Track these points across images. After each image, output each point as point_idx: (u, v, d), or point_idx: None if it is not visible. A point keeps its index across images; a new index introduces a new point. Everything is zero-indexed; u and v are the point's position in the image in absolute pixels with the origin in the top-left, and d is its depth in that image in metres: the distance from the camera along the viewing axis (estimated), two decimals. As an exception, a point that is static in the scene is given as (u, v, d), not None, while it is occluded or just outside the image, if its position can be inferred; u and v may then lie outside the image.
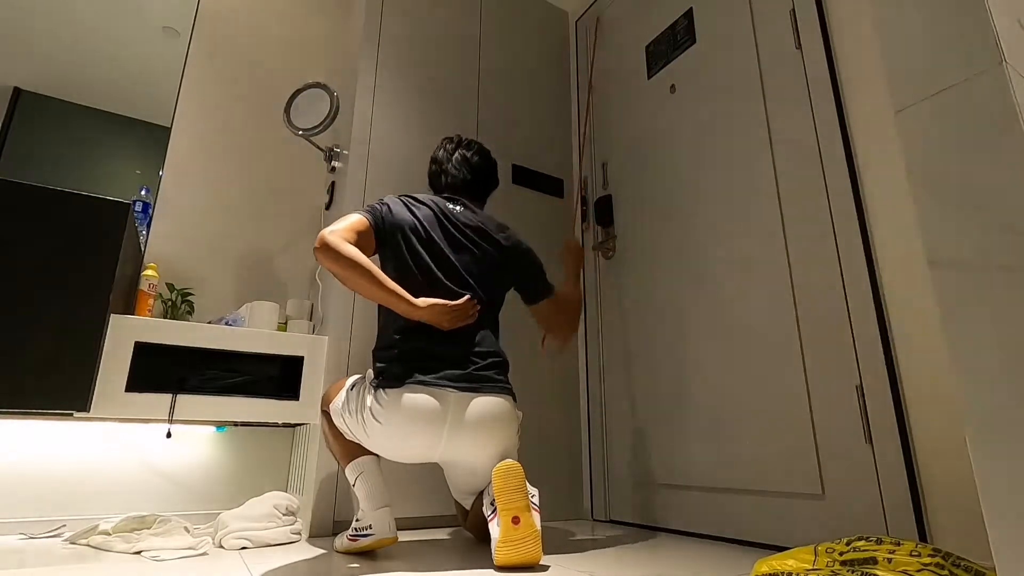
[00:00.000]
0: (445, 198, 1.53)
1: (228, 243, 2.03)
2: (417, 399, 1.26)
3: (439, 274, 1.39)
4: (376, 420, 1.27)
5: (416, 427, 1.26)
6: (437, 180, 1.62)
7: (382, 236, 1.41)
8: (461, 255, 1.43)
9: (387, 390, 1.28)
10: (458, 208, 1.50)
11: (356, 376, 1.45)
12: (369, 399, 1.30)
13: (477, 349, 1.36)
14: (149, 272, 1.72)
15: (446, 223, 1.45)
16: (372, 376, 1.36)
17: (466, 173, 1.60)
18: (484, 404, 1.30)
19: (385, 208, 1.44)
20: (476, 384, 1.30)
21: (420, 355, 1.31)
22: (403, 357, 1.31)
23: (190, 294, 1.83)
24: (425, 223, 1.43)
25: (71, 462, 1.64)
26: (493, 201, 1.72)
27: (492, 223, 1.53)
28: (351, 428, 1.35)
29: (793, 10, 1.64)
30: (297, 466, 1.83)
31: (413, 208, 1.46)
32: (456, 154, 1.62)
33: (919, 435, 1.22)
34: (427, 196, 1.52)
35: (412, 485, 1.71)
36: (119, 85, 2.07)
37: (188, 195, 2.00)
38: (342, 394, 1.41)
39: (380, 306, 1.45)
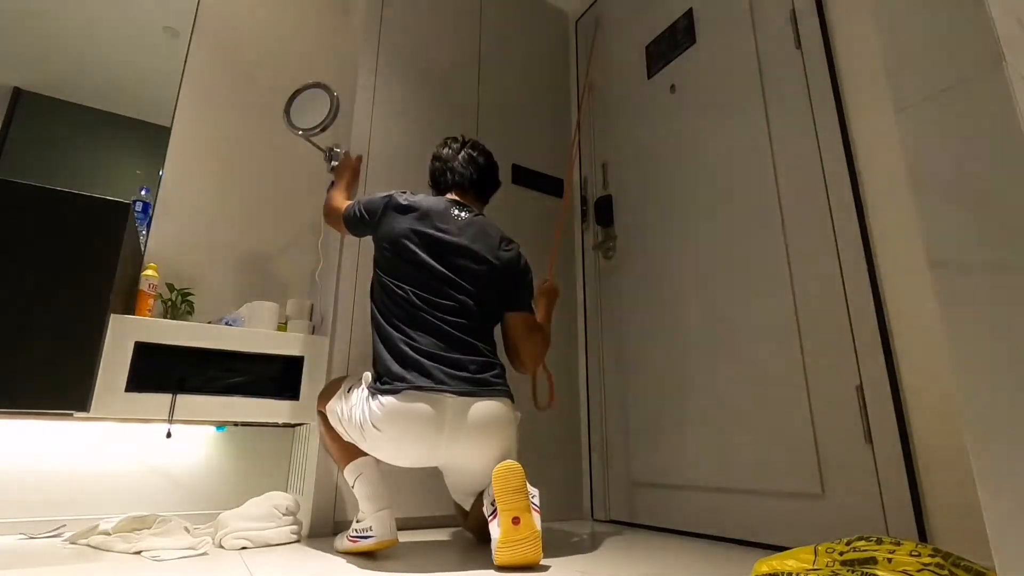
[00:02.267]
0: (450, 201, 1.50)
1: (228, 243, 2.03)
2: (414, 407, 1.25)
3: (436, 287, 1.38)
4: (374, 427, 1.27)
5: (414, 434, 1.26)
6: (442, 177, 1.60)
7: (366, 232, 1.52)
8: (460, 264, 1.40)
9: (384, 396, 1.26)
10: (464, 214, 1.47)
11: (353, 378, 1.44)
12: (367, 406, 1.29)
13: (474, 353, 1.35)
14: (149, 272, 1.72)
15: (446, 233, 1.42)
16: (370, 379, 1.35)
17: (472, 172, 1.58)
18: (483, 408, 1.29)
19: (381, 208, 1.46)
20: (474, 388, 1.29)
21: (418, 357, 1.30)
22: (401, 360, 1.30)
23: (190, 294, 1.82)
24: (424, 232, 1.41)
25: (71, 462, 1.64)
26: (493, 200, 1.71)
27: (495, 231, 1.50)
28: (348, 431, 1.35)
29: (793, 10, 1.64)
30: (297, 466, 1.83)
31: (413, 215, 1.43)
32: (462, 153, 1.60)
33: (919, 435, 1.22)
34: (428, 198, 1.49)
35: (412, 485, 1.71)
36: (119, 85, 2.07)
37: (188, 195, 2.00)
38: (339, 396, 1.40)
39: (374, 306, 1.44)
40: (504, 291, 1.48)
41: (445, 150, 1.63)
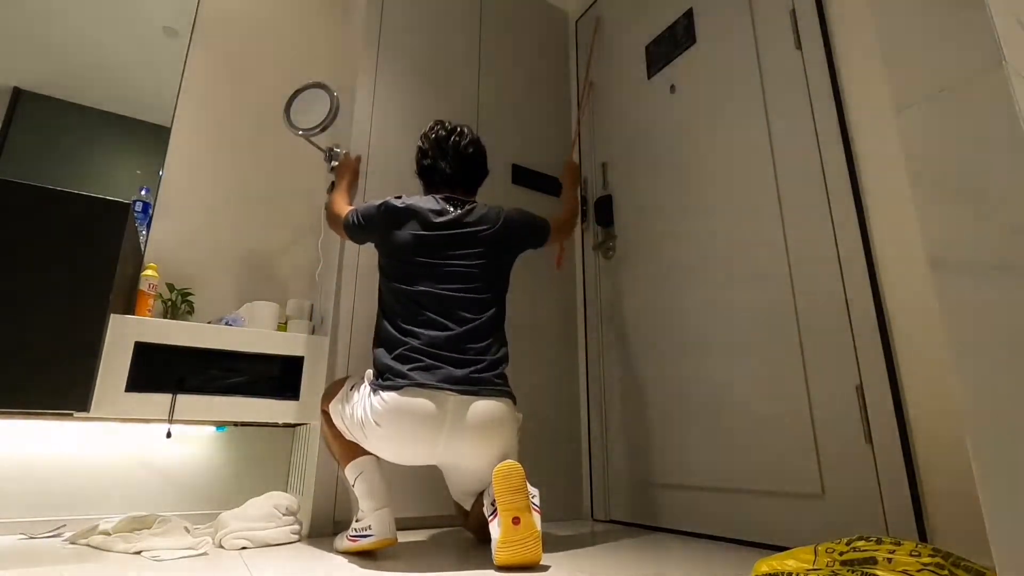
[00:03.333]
0: (443, 199, 1.50)
1: (228, 243, 2.03)
2: (415, 403, 1.25)
3: (439, 287, 1.38)
4: (375, 423, 1.27)
5: (414, 431, 1.26)
6: (431, 175, 1.57)
7: (365, 239, 1.57)
8: (460, 260, 1.41)
9: (386, 392, 1.27)
10: (458, 210, 1.48)
11: (356, 376, 1.45)
12: (368, 402, 1.29)
13: (478, 349, 1.35)
14: (149, 272, 1.72)
15: (442, 231, 1.43)
16: (372, 377, 1.36)
17: (460, 166, 1.56)
18: (483, 408, 1.29)
19: (376, 216, 1.48)
20: (475, 387, 1.30)
21: (420, 355, 1.30)
22: (403, 357, 1.31)
23: (190, 294, 1.83)
24: (421, 234, 1.42)
25: (71, 462, 1.64)
26: (492, 200, 1.71)
27: (485, 217, 1.49)
28: (350, 429, 1.35)
29: (793, 10, 1.64)
30: (297, 466, 1.84)
31: (408, 218, 1.44)
32: (449, 145, 1.57)
33: (919, 435, 1.22)
34: (421, 198, 1.50)
35: (412, 485, 1.71)
36: (119, 85, 2.07)
37: (188, 195, 2.00)
38: (342, 395, 1.41)
39: (380, 302, 1.45)
40: (522, 248, 1.59)
41: (430, 142, 1.58)
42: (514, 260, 1.57)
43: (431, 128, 1.61)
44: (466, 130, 1.61)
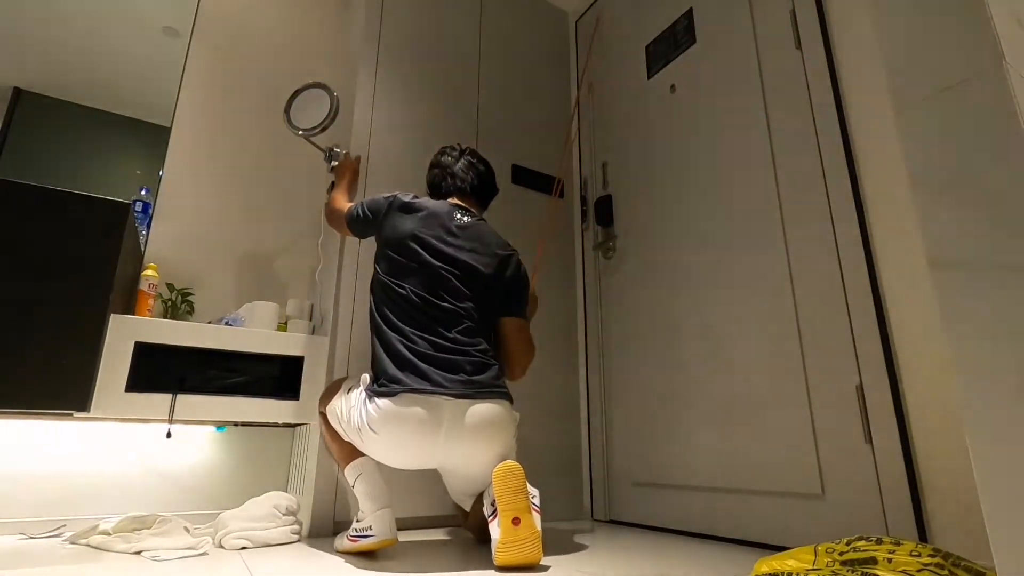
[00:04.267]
0: (452, 205, 1.51)
1: (228, 243, 2.03)
2: (410, 411, 1.24)
3: (436, 288, 1.38)
4: (371, 429, 1.27)
5: (411, 437, 1.25)
6: (442, 183, 1.60)
7: (370, 232, 1.53)
8: (460, 266, 1.41)
9: (381, 399, 1.26)
10: (466, 219, 1.48)
11: (353, 379, 1.44)
12: (363, 408, 1.29)
13: (473, 355, 1.34)
14: (149, 272, 1.72)
15: (448, 235, 1.43)
16: (368, 381, 1.35)
17: (473, 178, 1.60)
18: (481, 411, 1.29)
19: (384, 208, 1.48)
20: (472, 390, 1.29)
21: (415, 357, 1.30)
22: (399, 360, 1.30)
23: (190, 294, 1.82)
24: (427, 233, 1.42)
25: (71, 462, 1.64)
26: (492, 200, 1.71)
27: (496, 237, 1.51)
28: (348, 433, 1.35)
29: (793, 10, 1.65)
30: (297, 466, 1.83)
31: (417, 216, 1.44)
32: (462, 160, 1.62)
33: (919, 435, 1.22)
34: (431, 200, 1.51)
35: (412, 485, 1.71)
36: (119, 85, 2.07)
37: (188, 195, 2.00)
38: (339, 397, 1.40)
39: (373, 305, 1.44)
40: (502, 296, 1.49)
41: (444, 158, 1.64)
42: (493, 301, 1.47)
43: (441, 150, 1.68)
44: (477, 152, 1.68)
